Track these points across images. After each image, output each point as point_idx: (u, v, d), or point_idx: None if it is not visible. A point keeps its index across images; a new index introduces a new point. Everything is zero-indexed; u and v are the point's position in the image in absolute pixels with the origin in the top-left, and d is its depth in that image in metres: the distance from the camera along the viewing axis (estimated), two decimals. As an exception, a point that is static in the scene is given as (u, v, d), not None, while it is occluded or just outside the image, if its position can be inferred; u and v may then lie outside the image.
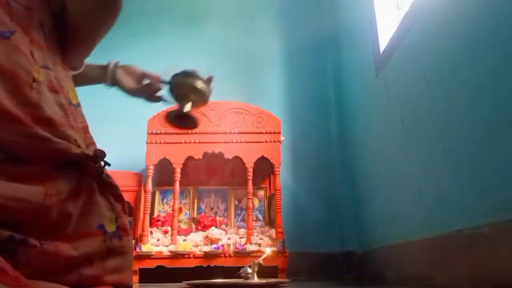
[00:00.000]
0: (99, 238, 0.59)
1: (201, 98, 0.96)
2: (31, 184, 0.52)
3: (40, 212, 0.52)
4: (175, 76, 0.94)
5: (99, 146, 0.71)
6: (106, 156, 0.63)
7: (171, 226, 2.02)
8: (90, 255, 0.57)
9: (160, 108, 2.19)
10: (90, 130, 0.71)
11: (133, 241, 0.68)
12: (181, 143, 2.11)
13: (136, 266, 1.81)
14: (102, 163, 0.63)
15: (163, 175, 2.22)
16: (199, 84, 0.95)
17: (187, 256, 1.87)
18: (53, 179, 0.55)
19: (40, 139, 0.54)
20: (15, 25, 0.57)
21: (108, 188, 0.64)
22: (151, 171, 2.06)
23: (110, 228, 0.61)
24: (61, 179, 0.56)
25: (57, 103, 0.60)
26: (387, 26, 1.95)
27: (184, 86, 0.94)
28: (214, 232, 2.04)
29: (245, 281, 1.41)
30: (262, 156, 2.11)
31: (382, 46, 1.89)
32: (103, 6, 0.66)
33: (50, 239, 0.53)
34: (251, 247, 1.91)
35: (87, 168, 0.60)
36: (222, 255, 1.87)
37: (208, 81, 0.99)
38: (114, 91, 1.00)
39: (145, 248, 1.86)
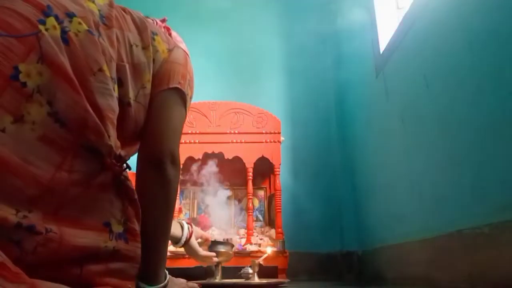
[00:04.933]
0: (104, 235, 0.59)
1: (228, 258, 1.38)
2: (55, 147, 0.56)
3: (45, 183, 0.54)
4: (215, 243, 1.36)
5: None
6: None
7: (171, 226, 2.01)
8: (96, 251, 0.58)
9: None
10: None
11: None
12: (181, 143, 2.10)
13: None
14: (124, 165, 0.64)
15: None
16: (230, 250, 1.37)
17: (187, 256, 1.86)
18: (76, 154, 0.57)
19: (86, 111, 0.58)
20: None
21: (125, 190, 0.64)
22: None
23: (117, 228, 0.61)
24: (82, 160, 0.58)
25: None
26: (387, 26, 1.95)
27: (223, 254, 1.35)
28: (214, 232, 2.04)
29: (246, 281, 1.41)
30: (262, 156, 2.11)
31: (382, 46, 1.89)
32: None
33: (57, 220, 0.54)
34: (251, 247, 1.91)
35: (108, 163, 0.61)
36: (222, 255, 1.87)
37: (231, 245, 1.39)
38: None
39: (145, 248, 1.86)
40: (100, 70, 0.63)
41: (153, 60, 0.76)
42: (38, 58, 0.56)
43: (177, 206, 2.04)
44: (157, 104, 0.75)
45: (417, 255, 1.41)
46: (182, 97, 0.79)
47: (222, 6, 2.94)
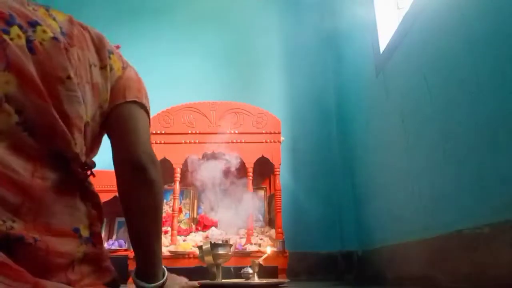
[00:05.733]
0: (75, 241, 0.60)
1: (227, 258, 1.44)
2: (24, 156, 0.56)
3: (27, 189, 0.55)
4: (214, 245, 1.41)
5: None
6: (96, 164, 0.68)
7: (171, 226, 2.02)
8: (72, 258, 0.59)
9: (160, 108, 2.20)
10: None
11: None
12: (181, 143, 2.11)
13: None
14: (89, 172, 0.67)
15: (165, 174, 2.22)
16: (229, 251, 1.43)
17: (187, 256, 1.87)
18: (43, 162, 0.59)
19: (54, 119, 0.60)
20: None
21: (89, 195, 0.66)
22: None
23: (84, 233, 0.63)
24: (49, 167, 0.59)
25: None
26: (387, 26, 1.95)
27: (222, 256, 1.40)
28: (214, 232, 2.04)
29: (246, 281, 1.41)
30: (262, 156, 2.11)
31: (382, 46, 1.89)
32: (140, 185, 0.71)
33: (36, 229, 0.55)
34: (251, 247, 1.91)
35: (73, 170, 0.63)
36: (222, 255, 1.87)
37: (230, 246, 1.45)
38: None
39: (145, 248, 1.86)
40: (69, 77, 0.63)
41: (109, 79, 0.76)
42: (5, 67, 0.56)
43: (177, 206, 2.05)
44: (120, 114, 0.74)
45: (417, 255, 1.41)
46: (142, 108, 0.78)
47: (222, 6, 2.94)
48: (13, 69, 0.57)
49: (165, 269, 0.79)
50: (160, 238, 0.78)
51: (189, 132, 2.13)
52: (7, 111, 0.55)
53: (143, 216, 0.71)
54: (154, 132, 2.12)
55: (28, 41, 0.60)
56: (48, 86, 0.60)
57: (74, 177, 0.63)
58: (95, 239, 0.64)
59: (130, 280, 0.83)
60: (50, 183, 0.59)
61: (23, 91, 0.57)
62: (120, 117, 0.74)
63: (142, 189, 0.70)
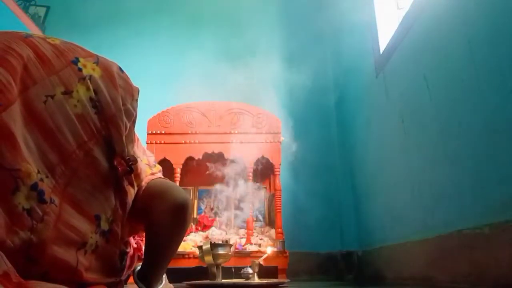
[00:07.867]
0: (92, 226, 0.62)
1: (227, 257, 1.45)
2: (85, 126, 0.63)
3: (66, 154, 0.60)
4: (214, 245, 1.42)
5: None
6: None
7: (171, 226, 2.01)
8: (84, 239, 0.60)
9: (160, 108, 2.20)
10: None
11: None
12: (181, 143, 2.11)
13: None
14: (129, 168, 0.69)
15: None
16: (229, 251, 1.44)
17: (187, 256, 1.87)
18: (95, 141, 0.64)
19: (119, 111, 0.69)
20: None
21: (121, 192, 0.69)
22: (151, 171, 2.05)
23: (104, 225, 0.65)
24: (98, 148, 0.64)
25: None
26: (387, 26, 1.95)
27: (222, 256, 1.42)
28: (214, 232, 2.04)
29: (246, 281, 1.41)
30: (262, 156, 2.11)
31: (382, 46, 1.89)
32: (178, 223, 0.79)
33: (63, 195, 0.58)
34: (251, 247, 1.91)
35: (117, 161, 0.67)
36: (222, 255, 1.87)
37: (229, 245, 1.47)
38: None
39: (145, 248, 1.86)
40: (136, 100, 0.75)
41: None
42: (95, 61, 0.70)
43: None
44: (154, 184, 0.83)
45: (417, 255, 1.41)
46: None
47: (222, 6, 2.94)
48: (101, 65, 0.70)
49: (164, 277, 0.89)
50: (175, 254, 0.86)
51: (189, 132, 2.13)
52: (87, 85, 0.65)
53: (170, 242, 0.80)
54: (154, 132, 2.12)
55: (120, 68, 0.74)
56: (122, 93, 0.70)
57: (114, 171, 0.67)
58: (111, 237, 0.66)
59: (131, 279, 0.86)
60: (91, 161, 0.63)
61: (104, 80, 0.68)
62: (154, 184, 0.84)
63: (182, 224, 0.79)
